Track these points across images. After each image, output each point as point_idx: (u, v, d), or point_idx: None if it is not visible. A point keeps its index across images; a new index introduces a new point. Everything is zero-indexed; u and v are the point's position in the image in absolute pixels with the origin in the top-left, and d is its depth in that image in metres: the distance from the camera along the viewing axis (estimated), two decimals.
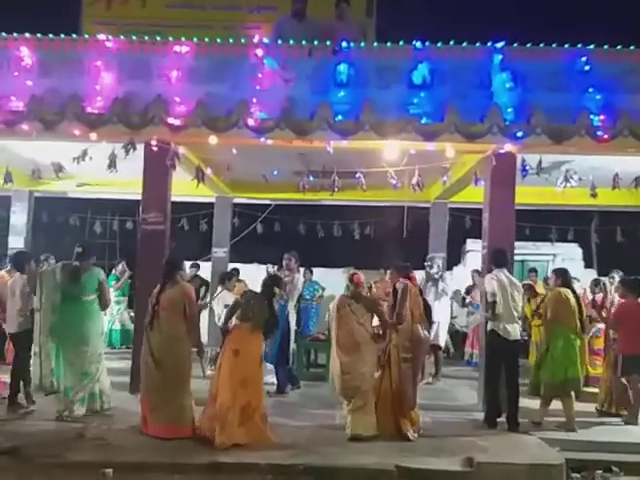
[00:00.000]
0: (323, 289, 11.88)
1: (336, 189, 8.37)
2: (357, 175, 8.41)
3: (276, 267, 9.38)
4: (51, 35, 7.62)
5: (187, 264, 8.91)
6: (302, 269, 10.55)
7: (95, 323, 6.53)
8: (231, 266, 11.15)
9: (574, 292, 7.13)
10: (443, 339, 9.38)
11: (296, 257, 8.34)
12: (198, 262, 11.46)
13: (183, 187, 9.12)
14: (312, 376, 8.87)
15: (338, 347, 6.13)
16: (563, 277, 7.21)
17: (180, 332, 5.93)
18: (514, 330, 6.83)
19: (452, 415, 7.25)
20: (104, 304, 6.58)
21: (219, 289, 9.45)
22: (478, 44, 7.45)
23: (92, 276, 6.49)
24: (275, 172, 9.66)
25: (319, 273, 12.39)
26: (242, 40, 7.66)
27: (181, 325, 5.91)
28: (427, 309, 6.62)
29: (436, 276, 9.32)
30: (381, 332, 6.22)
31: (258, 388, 5.85)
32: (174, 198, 8.13)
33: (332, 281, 12.00)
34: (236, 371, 5.67)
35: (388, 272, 10.28)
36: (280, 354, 7.90)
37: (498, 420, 6.94)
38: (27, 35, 7.63)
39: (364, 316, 6.28)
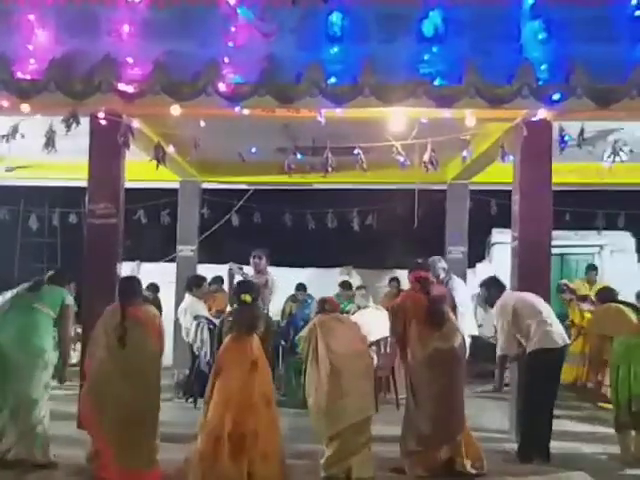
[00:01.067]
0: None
1: (330, 170, 8.35)
2: (355, 152, 8.39)
3: (242, 267, 9.51)
4: None
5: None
6: (294, 293, 11.21)
7: (49, 341, 6.63)
8: (201, 268, 11.37)
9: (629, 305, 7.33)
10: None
11: (267, 255, 8.55)
12: (156, 284, 11.63)
13: (139, 170, 9.27)
14: (304, 402, 8.76)
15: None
16: (609, 296, 7.47)
17: (152, 352, 6.25)
18: (561, 333, 6.98)
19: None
20: (63, 333, 6.67)
21: (186, 297, 9.67)
22: None
23: (56, 292, 6.64)
24: (254, 150, 9.69)
25: (309, 274, 12.64)
26: None
27: (155, 345, 6.25)
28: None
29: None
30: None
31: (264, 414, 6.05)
32: (128, 184, 8.22)
33: (325, 284, 12.13)
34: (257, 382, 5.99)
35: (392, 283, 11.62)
36: None
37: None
38: None
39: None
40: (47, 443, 6.54)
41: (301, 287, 11.64)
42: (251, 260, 8.69)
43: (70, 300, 6.82)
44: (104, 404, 6.01)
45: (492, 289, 7.36)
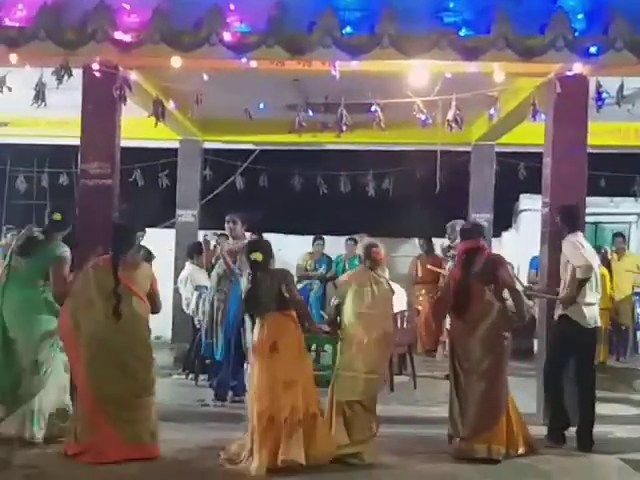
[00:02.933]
0: (330, 266, 12.25)
1: (344, 128, 8.32)
2: (373, 109, 8.34)
3: (216, 234, 9.66)
4: None
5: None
6: (313, 238, 11.60)
7: (40, 321, 6.68)
8: (202, 234, 10.96)
9: None
10: None
11: (243, 219, 8.46)
12: (149, 250, 10.97)
13: (136, 128, 9.34)
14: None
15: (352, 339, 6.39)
16: None
17: (146, 321, 6.37)
18: (594, 315, 7.00)
19: None
20: (54, 293, 6.61)
21: (187, 266, 9.82)
22: None
23: (46, 251, 6.60)
24: (261, 106, 9.52)
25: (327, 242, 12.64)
26: None
27: (147, 314, 6.36)
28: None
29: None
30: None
31: (310, 388, 6.19)
32: (124, 143, 8.25)
33: (338, 254, 12.41)
34: (277, 371, 6.04)
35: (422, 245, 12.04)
36: (230, 353, 8.16)
37: (566, 435, 7.07)
38: None
39: (386, 298, 6.55)
40: (45, 420, 6.65)
41: (319, 240, 11.92)
42: (225, 225, 8.58)
43: (62, 252, 6.76)
44: (102, 381, 6.13)
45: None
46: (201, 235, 11.13)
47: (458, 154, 12.07)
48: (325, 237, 12.77)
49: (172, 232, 12.18)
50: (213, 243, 9.47)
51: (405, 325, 9.85)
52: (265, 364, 6.00)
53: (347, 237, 11.88)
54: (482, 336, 6.47)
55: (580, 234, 7.17)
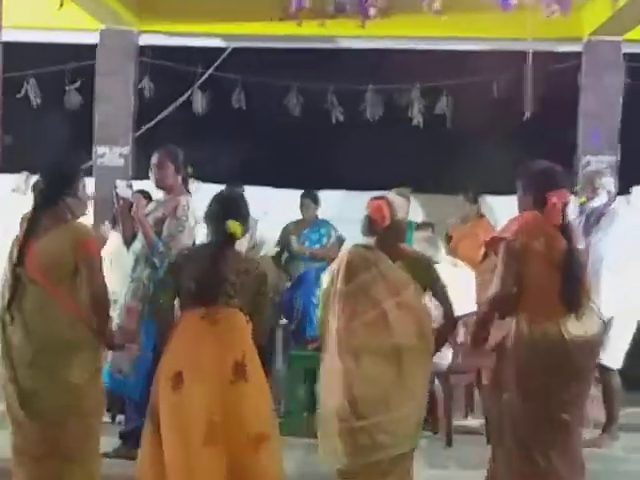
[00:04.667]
0: (340, 237, 10.55)
1: (371, 12, 8.27)
2: None
3: (132, 184, 8.97)
4: None
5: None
6: (300, 195, 10.46)
7: None
8: (138, 185, 9.38)
9: None
10: (620, 353, 8.32)
11: (177, 157, 7.34)
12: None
13: (28, 12, 9.40)
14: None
15: (339, 355, 5.68)
16: None
17: (69, 327, 5.30)
18: None
19: None
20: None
21: (112, 238, 8.93)
22: None
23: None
24: None
25: (330, 201, 11.05)
26: None
27: (70, 313, 5.37)
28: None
29: (603, 211, 8.44)
30: (444, 328, 5.91)
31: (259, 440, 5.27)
32: (7, 35, 7.56)
33: (357, 219, 10.33)
34: (191, 418, 5.19)
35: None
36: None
37: None
38: None
39: (408, 288, 5.72)
40: None
41: (311, 197, 10.48)
42: (151, 167, 7.37)
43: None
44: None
45: None
46: (136, 185, 9.32)
47: (561, 57, 10.91)
48: (339, 192, 11.57)
49: (88, 182, 10.02)
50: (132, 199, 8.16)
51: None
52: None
53: (371, 197, 10.41)
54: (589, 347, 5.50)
55: None
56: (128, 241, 7.99)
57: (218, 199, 5.79)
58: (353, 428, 5.61)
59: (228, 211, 5.54)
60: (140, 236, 7.25)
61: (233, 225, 5.42)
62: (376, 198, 5.97)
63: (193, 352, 5.27)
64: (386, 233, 5.79)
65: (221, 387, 5.22)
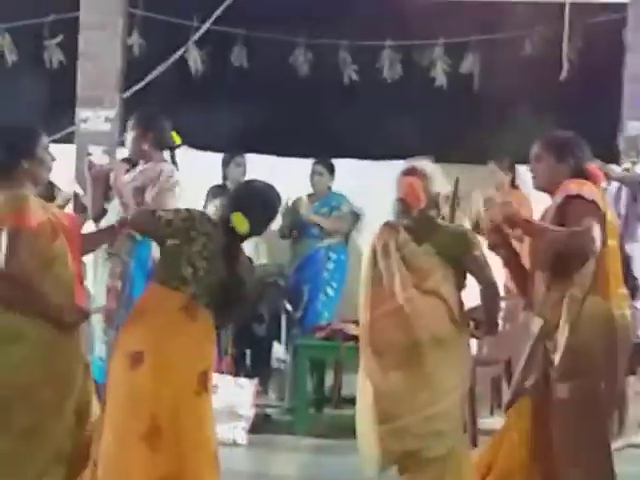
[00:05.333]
0: (355, 212, 10.45)
1: None
2: None
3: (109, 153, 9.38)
4: None
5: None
6: (312, 164, 10.17)
7: None
8: (123, 153, 9.09)
9: None
10: None
11: (154, 119, 7.38)
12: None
13: None
14: (332, 424, 8.73)
15: (370, 352, 5.74)
16: None
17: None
18: None
19: None
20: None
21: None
22: None
23: None
24: None
25: (343, 172, 10.58)
26: None
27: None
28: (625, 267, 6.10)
29: None
30: (482, 317, 5.80)
31: (197, 445, 5.18)
32: None
33: (374, 190, 10.06)
34: (138, 406, 5.09)
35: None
36: None
37: None
38: None
39: (435, 274, 5.67)
40: None
41: (325, 165, 10.25)
42: (128, 132, 7.34)
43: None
44: None
45: None
46: (120, 153, 9.83)
47: (604, 9, 10.60)
48: (352, 161, 11.10)
49: (70, 150, 10.33)
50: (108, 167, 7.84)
51: (500, 325, 7.59)
52: None
53: (401, 172, 8.81)
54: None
55: None
56: (96, 217, 7.54)
57: (233, 192, 5.82)
58: (383, 431, 5.58)
59: (237, 202, 5.36)
60: (114, 208, 6.98)
61: (236, 218, 5.19)
62: (406, 173, 5.74)
63: (162, 339, 5.09)
64: (423, 213, 5.65)
65: (182, 393, 5.11)
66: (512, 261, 5.63)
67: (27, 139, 5.18)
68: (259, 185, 5.83)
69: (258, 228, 5.31)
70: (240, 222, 5.13)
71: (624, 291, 5.45)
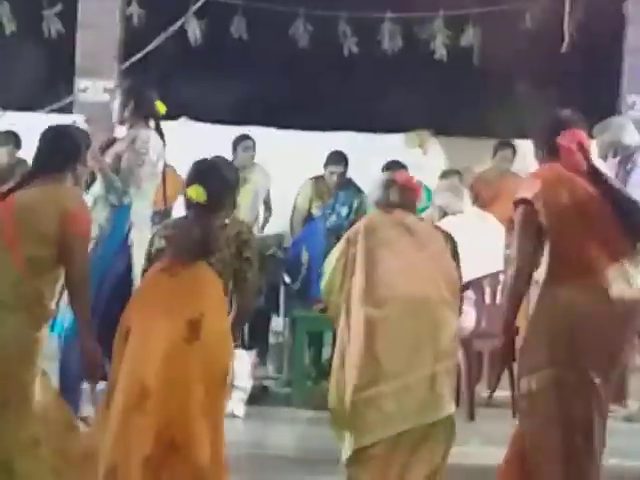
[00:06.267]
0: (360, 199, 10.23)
1: None
2: None
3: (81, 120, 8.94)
4: None
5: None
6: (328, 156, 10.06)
7: None
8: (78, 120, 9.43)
9: None
10: None
11: (137, 88, 7.56)
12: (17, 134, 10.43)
13: None
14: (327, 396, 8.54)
15: (361, 308, 5.68)
16: None
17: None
18: None
19: None
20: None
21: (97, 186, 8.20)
22: None
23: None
24: None
25: (342, 145, 10.64)
26: None
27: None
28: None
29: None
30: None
31: (193, 411, 5.21)
32: None
33: (371, 163, 10.13)
34: (127, 377, 5.25)
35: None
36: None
37: None
38: None
39: (433, 244, 5.93)
40: None
41: (336, 158, 10.10)
42: (114, 103, 7.58)
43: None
44: None
45: None
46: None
47: None
48: (351, 134, 11.34)
49: (68, 120, 9.59)
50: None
51: (498, 298, 8.38)
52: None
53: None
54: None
55: None
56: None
57: (192, 167, 5.83)
58: (374, 395, 5.52)
59: (195, 175, 5.58)
60: (99, 177, 7.16)
61: (194, 190, 5.43)
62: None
63: (144, 307, 5.29)
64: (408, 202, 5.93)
65: (170, 346, 5.16)
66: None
67: (84, 145, 5.46)
68: (215, 160, 6.08)
69: (217, 199, 5.47)
70: (195, 193, 5.35)
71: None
